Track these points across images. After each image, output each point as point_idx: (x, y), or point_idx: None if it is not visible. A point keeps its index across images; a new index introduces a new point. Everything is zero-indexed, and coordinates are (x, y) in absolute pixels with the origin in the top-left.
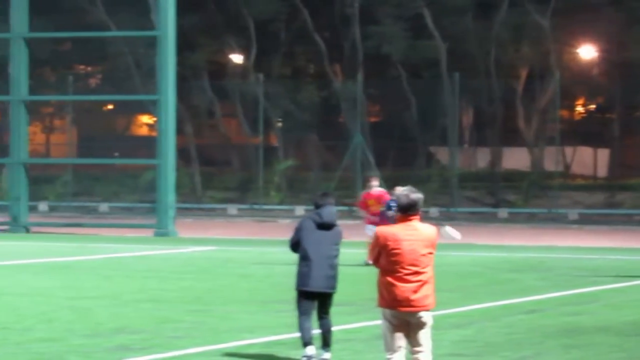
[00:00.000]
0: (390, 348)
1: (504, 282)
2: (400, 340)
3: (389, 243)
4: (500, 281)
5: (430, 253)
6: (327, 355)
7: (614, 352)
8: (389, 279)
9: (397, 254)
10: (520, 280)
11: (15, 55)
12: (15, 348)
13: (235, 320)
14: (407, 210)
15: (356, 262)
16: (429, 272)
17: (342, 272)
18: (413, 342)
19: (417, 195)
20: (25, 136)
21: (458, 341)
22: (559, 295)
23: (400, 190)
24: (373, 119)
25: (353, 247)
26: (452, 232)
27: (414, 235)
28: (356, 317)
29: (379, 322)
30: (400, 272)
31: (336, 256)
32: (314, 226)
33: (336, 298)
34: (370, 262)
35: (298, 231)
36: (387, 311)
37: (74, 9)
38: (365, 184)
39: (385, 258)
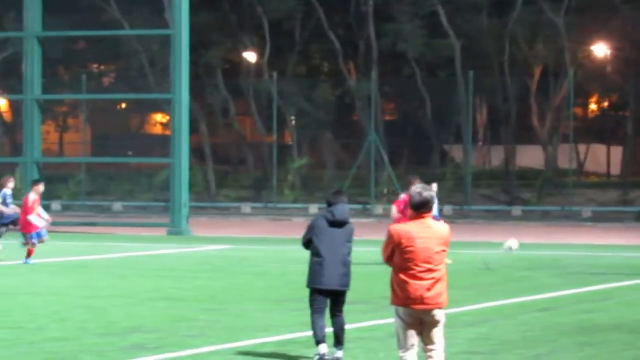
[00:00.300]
0: (403, 346)
1: (518, 280)
2: (413, 338)
3: (402, 241)
4: (514, 279)
5: (444, 251)
6: (340, 353)
7: (628, 350)
8: (403, 276)
9: (410, 252)
10: (535, 278)
11: (29, 54)
12: (29, 347)
13: (250, 319)
14: (419, 208)
15: (370, 261)
16: (442, 270)
17: (356, 270)
18: (426, 340)
19: (430, 193)
20: (39, 135)
21: (472, 339)
22: (573, 292)
23: (416, 188)
24: (388, 117)
25: (367, 245)
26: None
27: (428, 232)
28: (370, 315)
29: (392, 320)
30: (414, 269)
31: (349, 254)
32: (326, 224)
33: (349, 296)
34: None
35: (310, 229)
36: (401, 309)
37: (87, 8)
38: (408, 185)
39: (399, 256)
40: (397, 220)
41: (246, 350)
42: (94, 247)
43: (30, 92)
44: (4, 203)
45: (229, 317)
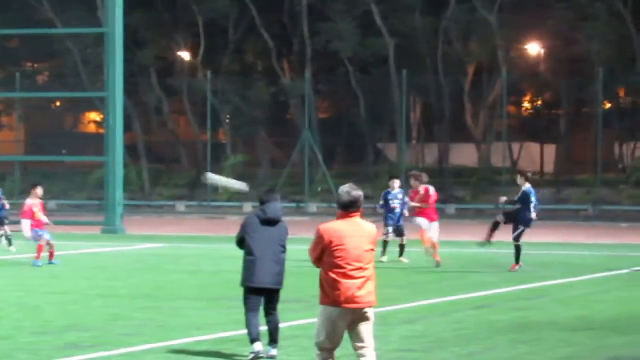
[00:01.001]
0: (326, 346)
1: (453, 278)
2: (338, 338)
3: (332, 240)
4: (449, 277)
5: (372, 249)
6: (274, 351)
7: (562, 347)
8: (333, 275)
9: (341, 250)
10: (469, 276)
11: None
12: None
13: (185, 317)
14: (348, 207)
15: (304, 259)
16: (371, 269)
17: (290, 269)
18: (356, 339)
19: (358, 192)
20: None
21: (407, 337)
22: (507, 290)
23: (344, 187)
24: (322, 115)
25: (301, 243)
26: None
27: (358, 231)
28: (303, 313)
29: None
30: (345, 267)
31: (282, 252)
32: (258, 222)
33: (283, 294)
34: (312, 260)
35: (243, 227)
36: (330, 308)
37: (21, 6)
38: (417, 179)
39: (329, 255)
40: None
41: (181, 349)
42: (28, 245)
43: None
44: None
45: (164, 316)
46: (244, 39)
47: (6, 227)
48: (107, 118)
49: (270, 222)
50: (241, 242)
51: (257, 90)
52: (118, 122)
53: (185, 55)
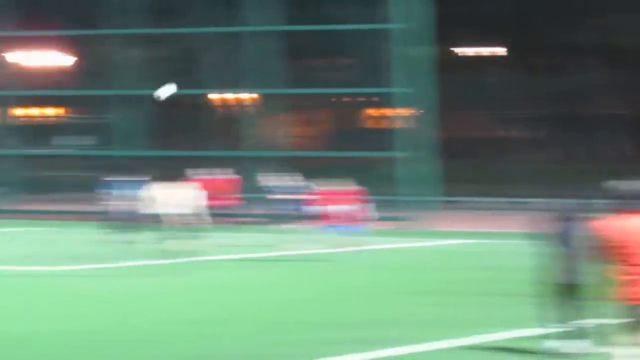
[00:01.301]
0: (628, 342)
1: None
2: (631, 334)
3: (614, 236)
4: None
5: None
6: (582, 347)
7: None
8: (616, 272)
9: (621, 247)
10: None
11: (265, 49)
12: (247, 339)
13: (480, 314)
14: (635, 203)
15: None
16: None
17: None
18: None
19: None
20: (268, 130)
21: None
22: None
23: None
24: (619, 111)
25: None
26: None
27: None
28: (606, 310)
29: (626, 317)
30: (626, 264)
31: (583, 247)
32: (562, 219)
33: (585, 291)
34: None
35: (548, 224)
36: (624, 305)
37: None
38: None
39: (611, 252)
40: None
41: (476, 346)
42: (321, 239)
43: (270, 86)
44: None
45: (458, 312)
46: (544, 32)
47: (299, 223)
48: (415, 114)
49: (571, 219)
50: (545, 238)
51: (557, 85)
52: (426, 118)
53: (489, 50)
